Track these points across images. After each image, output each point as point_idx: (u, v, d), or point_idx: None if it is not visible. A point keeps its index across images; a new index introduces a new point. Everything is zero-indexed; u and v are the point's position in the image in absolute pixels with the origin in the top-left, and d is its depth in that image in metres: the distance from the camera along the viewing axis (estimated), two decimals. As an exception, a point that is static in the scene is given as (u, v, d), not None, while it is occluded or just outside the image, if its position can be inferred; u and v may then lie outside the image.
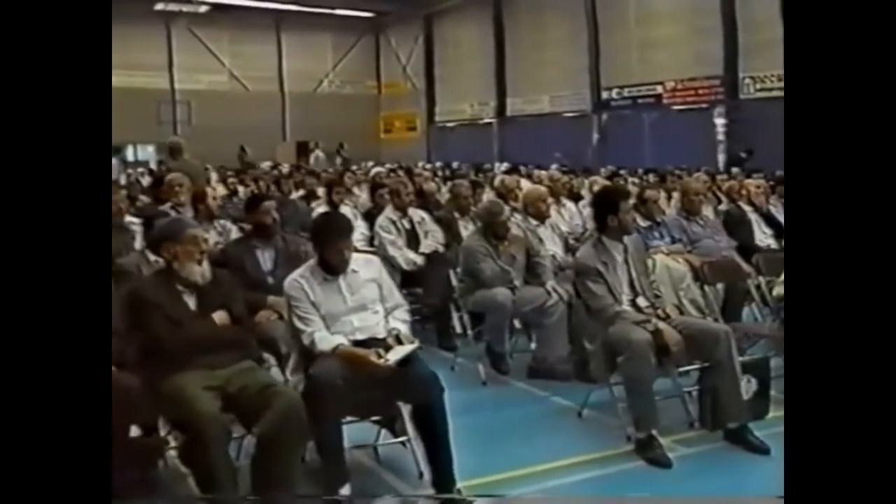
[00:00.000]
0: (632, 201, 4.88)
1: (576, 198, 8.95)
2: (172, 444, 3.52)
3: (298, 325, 3.55)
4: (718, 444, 4.03)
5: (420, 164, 22.55)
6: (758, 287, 5.45)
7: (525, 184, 8.70)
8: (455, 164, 21.83)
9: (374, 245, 6.52)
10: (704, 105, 20.52)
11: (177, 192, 5.90)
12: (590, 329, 4.44)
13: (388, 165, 19.71)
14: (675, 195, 7.78)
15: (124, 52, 25.51)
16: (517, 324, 5.54)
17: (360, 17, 30.28)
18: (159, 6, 26.91)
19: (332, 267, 3.62)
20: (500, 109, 27.22)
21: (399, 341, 3.54)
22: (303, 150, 27.77)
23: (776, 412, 4.07)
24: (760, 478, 3.64)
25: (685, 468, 3.80)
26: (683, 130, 20.43)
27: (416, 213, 6.71)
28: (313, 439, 3.38)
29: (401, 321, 3.72)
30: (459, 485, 3.39)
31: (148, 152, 27.02)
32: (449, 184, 9.50)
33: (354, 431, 3.60)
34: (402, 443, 3.66)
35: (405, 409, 3.55)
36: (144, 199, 7.92)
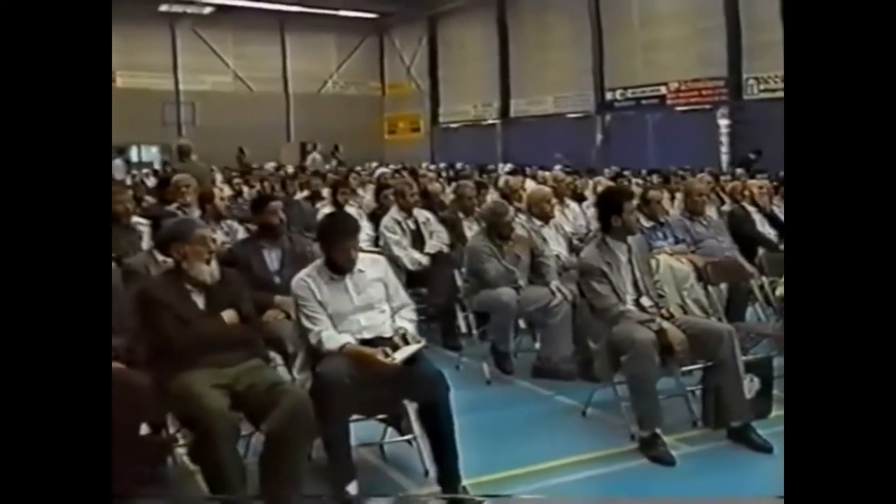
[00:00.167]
0: (635, 202, 4.92)
1: (579, 198, 8.98)
2: (181, 441, 3.56)
3: (306, 324, 3.57)
4: (721, 443, 4.05)
5: (424, 165, 22.56)
6: (761, 287, 5.47)
7: (529, 184, 8.73)
8: (459, 165, 21.84)
9: (379, 245, 6.55)
10: (708, 106, 20.53)
11: (183, 193, 5.93)
12: (594, 328, 4.46)
13: (392, 166, 19.73)
14: (679, 196, 7.81)
15: (128, 53, 25.67)
16: (522, 323, 5.56)
17: (364, 18, 30.30)
18: (164, 7, 26.97)
19: (339, 266, 3.65)
20: (504, 110, 27.25)
21: (406, 340, 3.56)
22: (305, 151, 27.84)
23: (779, 411, 4.08)
24: (763, 476, 3.65)
25: (688, 466, 3.83)
26: (687, 131, 20.43)
27: (421, 214, 6.73)
28: (320, 437, 3.39)
29: (407, 320, 3.76)
30: (465, 482, 3.42)
31: (152, 153, 27.08)
32: (453, 184, 9.52)
33: (361, 429, 3.62)
34: (408, 441, 3.69)
35: (411, 408, 3.58)
36: (150, 199, 7.95)
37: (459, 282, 5.65)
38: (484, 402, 4.84)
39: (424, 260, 6.37)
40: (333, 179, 10.02)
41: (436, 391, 3.46)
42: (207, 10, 27.60)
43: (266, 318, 4.14)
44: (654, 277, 4.54)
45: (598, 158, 21.42)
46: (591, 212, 7.09)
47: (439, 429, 3.44)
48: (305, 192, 9.72)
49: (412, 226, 6.59)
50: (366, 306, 3.66)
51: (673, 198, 8.76)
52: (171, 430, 3.53)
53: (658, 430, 3.95)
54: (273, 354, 3.89)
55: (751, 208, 6.89)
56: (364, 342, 3.54)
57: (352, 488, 3.35)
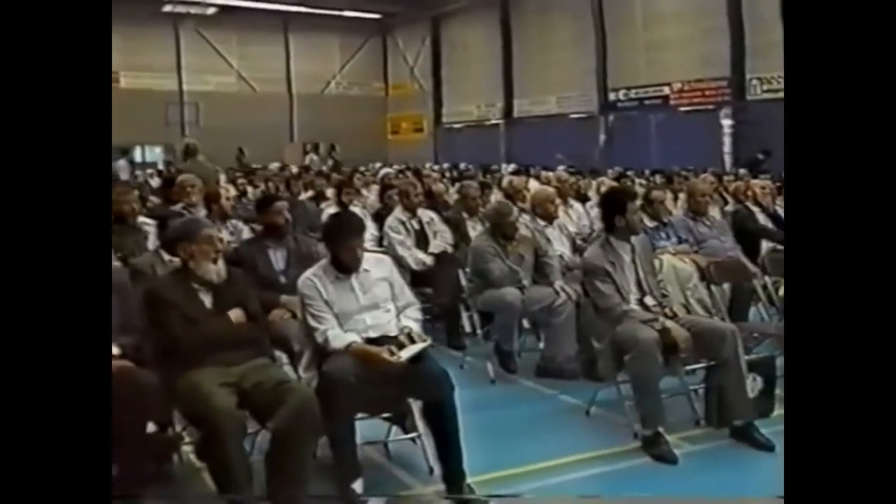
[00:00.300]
0: (639, 202, 4.94)
1: (583, 199, 8.99)
2: (187, 439, 3.59)
3: (312, 323, 3.59)
4: (724, 442, 4.07)
5: (427, 165, 22.59)
6: (764, 287, 5.49)
7: (533, 185, 8.74)
8: (462, 166, 21.87)
9: (384, 245, 6.56)
10: (711, 106, 20.53)
11: (188, 193, 5.95)
12: (598, 328, 4.48)
13: (395, 167, 19.76)
14: (682, 196, 7.81)
15: (132, 54, 25.76)
16: (526, 323, 5.57)
17: (368, 18, 30.35)
18: (167, 8, 27.05)
19: (345, 266, 3.67)
20: (507, 111, 27.26)
21: (411, 339, 3.58)
22: (305, 152, 27.92)
23: (781, 410, 4.09)
24: (765, 475, 3.66)
25: (691, 465, 3.84)
26: (690, 132, 20.44)
27: (426, 214, 6.75)
28: (326, 435, 3.42)
29: (413, 319, 3.77)
30: (469, 480, 3.44)
31: (156, 153, 27.11)
32: (457, 185, 9.53)
33: (366, 428, 3.64)
34: (413, 439, 3.71)
35: (416, 406, 3.60)
36: (154, 199, 7.97)
37: (463, 282, 5.67)
38: (488, 401, 4.86)
39: (429, 260, 6.38)
40: (338, 180, 10.04)
41: (441, 390, 3.48)
42: (211, 10, 27.68)
43: (272, 317, 4.16)
44: (657, 277, 4.56)
45: (601, 159, 21.44)
46: (595, 212, 7.12)
47: (444, 427, 3.46)
48: (310, 193, 9.73)
49: (416, 226, 6.60)
50: (371, 305, 3.68)
51: (676, 198, 8.77)
52: (178, 428, 3.56)
53: (661, 429, 3.96)
54: (279, 353, 3.90)
55: (754, 208, 6.90)
56: (370, 341, 3.56)
57: (357, 486, 3.37)
